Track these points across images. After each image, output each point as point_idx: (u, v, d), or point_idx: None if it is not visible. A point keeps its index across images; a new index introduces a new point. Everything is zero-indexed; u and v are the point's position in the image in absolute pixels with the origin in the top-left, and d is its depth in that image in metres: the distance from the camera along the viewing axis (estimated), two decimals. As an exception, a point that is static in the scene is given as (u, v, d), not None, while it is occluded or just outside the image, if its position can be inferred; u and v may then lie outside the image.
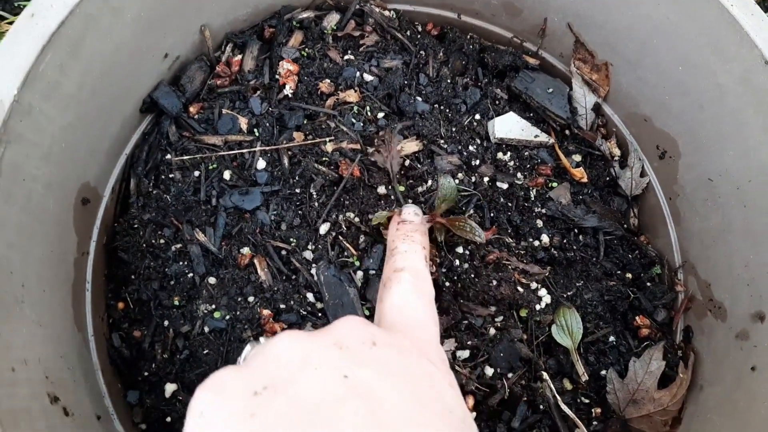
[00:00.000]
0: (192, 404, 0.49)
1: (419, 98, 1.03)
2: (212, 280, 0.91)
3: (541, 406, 0.90)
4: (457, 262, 0.92)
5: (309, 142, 0.97)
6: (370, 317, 0.90)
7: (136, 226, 0.94)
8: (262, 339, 0.60)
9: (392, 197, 0.95)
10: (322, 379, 0.50)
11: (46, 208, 0.80)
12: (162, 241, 0.93)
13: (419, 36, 1.10)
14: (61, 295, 0.83)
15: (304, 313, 0.90)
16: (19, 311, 0.72)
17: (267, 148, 0.97)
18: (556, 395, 0.89)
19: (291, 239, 0.93)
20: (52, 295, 0.80)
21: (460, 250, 0.93)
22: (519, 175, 1.03)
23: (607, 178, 1.08)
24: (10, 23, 1.36)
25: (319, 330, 0.59)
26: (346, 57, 1.04)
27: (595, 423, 0.92)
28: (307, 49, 1.04)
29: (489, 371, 0.89)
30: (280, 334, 0.55)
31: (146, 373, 0.90)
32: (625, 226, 1.05)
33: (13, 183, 0.72)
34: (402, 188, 0.96)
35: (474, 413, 0.87)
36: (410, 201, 0.95)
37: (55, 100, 0.77)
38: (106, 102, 0.89)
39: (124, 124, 0.95)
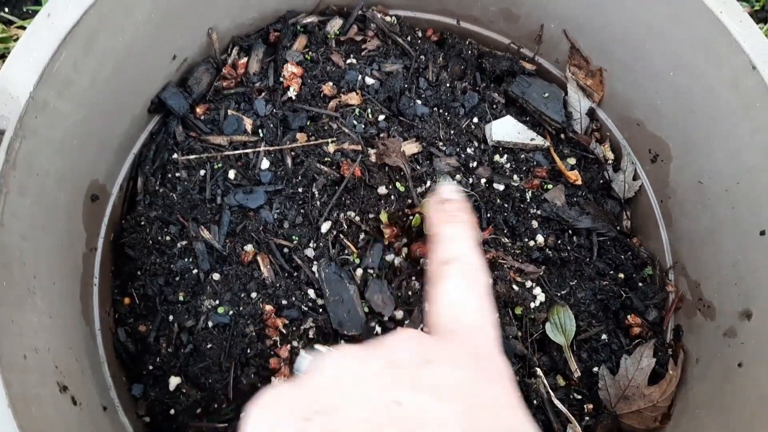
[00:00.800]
0: (244, 420, 0.49)
1: (419, 101, 1.06)
2: (216, 276, 0.94)
3: (535, 401, 0.92)
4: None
5: (312, 142, 1.00)
6: (370, 314, 0.92)
7: (142, 223, 0.97)
8: (319, 347, 0.57)
9: (393, 197, 0.98)
10: (375, 407, 0.49)
11: (57, 202, 0.82)
12: (168, 238, 0.96)
13: (419, 41, 1.13)
14: (70, 289, 0.86)
15: (306, 309, 0.92)
16: (30, 301, 0.74)
17: (271, 148, 1.00)
18: (550, 391, 0.92)
19: (293, 237, 0.95)
20: (61, 287, 0.83)
21: (457, 248, 0.95)
22: (515, 177, 1.06)
23: (601, 181, 1.11)
24: (19, 27, 1.39)
25: (373, 344, 0.57)
26: (348, 61, 1.07)
27: (587, 418, 0.94)
28: (310, 53, 1.07)
29: (485, 366, 0.92)
30: (336, 351, 0.54)
31: (151, 367, 0.92)
32: (618, 227, 1.08)
33: (28, 176, 0.75)
34: (402, 188, 0.99)
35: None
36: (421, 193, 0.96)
37: (68, 97, 0.80)
38: (116, 100, 0.92)
39: (133, 124, 0.98)
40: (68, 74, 0.79)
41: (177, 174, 0.99)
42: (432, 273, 0.69)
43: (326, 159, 0.99)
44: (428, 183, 1.00)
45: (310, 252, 0.95)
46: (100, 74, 0.86)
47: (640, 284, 1.04)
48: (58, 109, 0.79)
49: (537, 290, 0.97)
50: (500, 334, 0.67)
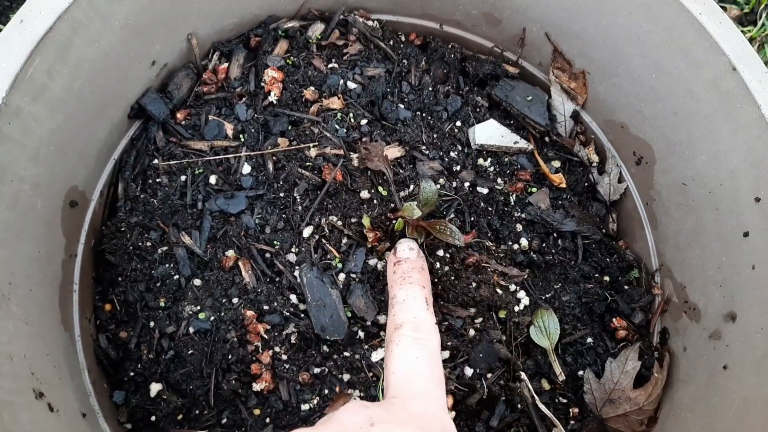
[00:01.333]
0: None
1: (401, 105, 1.06)
2: (197, 282, 0.93)
3: (519, 406, 0.91)
4: (438, 265, 0.94)
5: (293, 147, 0.99)
6: (352, 319, 0.92)
7: (123, 229, 0.96)
8: None
9: (375, 201, 0.97)
10: None
11: (34, 208, 0.82)
12: (149, 243, 0.95)
13: (402, 45, 1.13)
14: (48, 295, 0.85)
15: (287, 314, 0.92)
16: (5, 307, 0.73)
17: (252, 153, 0.99)
18: (534, 395, 0.91)
19: (275, 242, 0.95)
20: (39, 293, 0.82)
21: (440, 253, 0.95)
22: (499, 180, 1.05)
23: (586, 184, 1.11)
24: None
25: (322, 422, 0.62)
26: (330, 65, 1.07)
27: (572, 422, 0.94)
28: (291, 58, 1.06)
29: (468, 371, 0.91)
30: None
31: (132, 373, 0.91)
32: (604, 230, 1.07)
33: (1, 182, 0.74)
34: (385, 192, 0.98)
35: (453, 413, 0.88)
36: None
37: (43, 103, 0.80)
38: (94, 107, 0.91)
39: (113, 130, 0.98)
40: (42, 80, 0.79)
41: (158, 179, 0.99)
42: (387, 336, 0.76)
43: (308, 164, 0.99)
44: (411, 187, 1.00)
45: (291, 257, 0.94)
46: (76, 80, 0.85)
47: (626, 287, 1.03)
48: (32, 115, 0.78)
49: (521, 294, 0.97)
50: (445, 395, 0.70)
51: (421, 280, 0.83)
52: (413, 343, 0.72)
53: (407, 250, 0.88)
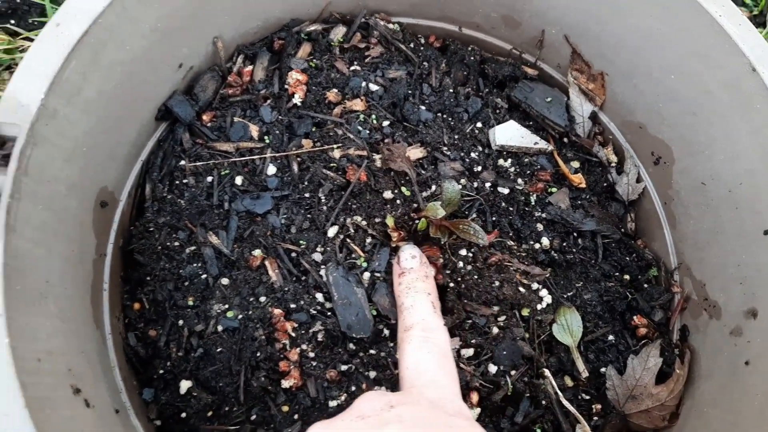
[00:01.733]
0: None
1: (423, 107, 1.08)
2: (225, 281, 0.95)
3: (543, 402, 0.93)
4: (461, 264, 0.95)
5: (317, 148, 1.01)
6: (377, 317, 0.93)
7: (151, 229, 0.97)
8: None
9: (398, 201, 0.99)
10: None
11: (68, 209, 0.83)
12: (176, 243, 0.97)
13: (422, 48, 1.14)
14: (81, 294, 0.86)
15: (314, 312, 0.93)
16: (43, 305, 0.75)
17: (277, 154, 1.01)
18: (558, 391, 0.93)
19: (301, 242, 0.96)
20: (73, 292, 0.84)
21: (463, 252, 0.96)
22: (519, 180, 1.07)
23: (605, 184, 1.12)
24: (25, 38, 1.41)
25: (345, 410, 0.67)
26: (352, 68, 1.09)
27: (595, 418, 0.95)
28: (314, 60, 1.08)
29: (492, 369, 0.92)
30: (312, 426, 0.65)
31: (161, 371, 0.92)
32: (623, 229, 1.09)
33: (39, 183, 0.76)
34: (408, 192, 1.00)
35: (478, 409, 0.90)
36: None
37: (77, 105, 0.81)
38: (124, 109, 0.93)
39: (141, 131, 0.99)
40: (77, 83, 0.80)
41: (185, 180, 1.00)
42: (398, 338, 0.82)
43: (332, 164, 1.00)
44: (433, 187, 1.01)
45: (317, 256, 0.96)
46: (108, 83, 0.87)
47: (646, 285, 1.05)
48: (67, 117, 0.80)
49: (543, 292, 0.98)
50: (458, 386, 0.75)
51: (426, 288, 0.87)
52: (423, 341, 0.78)
53: (410, 259, 0.91)
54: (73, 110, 0.81)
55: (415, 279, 0.88)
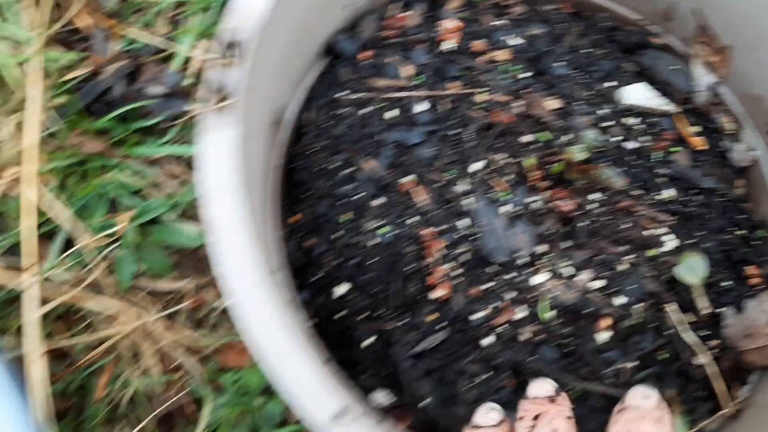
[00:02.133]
0: None
1: (560, 63, 1.16)
2: (378, 201, 1.04)
3: (665, 333, 1.00)
4: (594, 206, 1.04)
5: (464, 91, 1.10)
6: (514, 247, 1.01)
7: (310, 151, 1.07)
8: None
9: (536, 146, 1.07)
10: None
11: (261, 119, 0.93)
12: (334, 165, 1.06)
13: (558, 11, 1.23)
14: (261, 194, 0.96)
15: (457, 237, 1.02)
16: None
17: (427, 92, 1.10)
18: (681, 324, 1.00)
19: (447, 173, 1.05)
20: (258, 193, 0.94)
21: (597, 195, 1.05)
22: (644, 138, 1.15)
23: (719, 149, 1.20)
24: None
25: None
26: (497, 22, 1.17)
27: (711, 352, 1.02)
28: (463, 13, 1.17)
29: (620, 300, 1.01)
30: None
31: (316, 277, 1.02)
32: (736, 192, 1.16)
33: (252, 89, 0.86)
34: (544, 139, 1.08)
35: (612, 331, 0.98)
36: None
37: (278, 29, 0.91)
38: (299, 42, 1.03)
39: (308, 63, 1.09)
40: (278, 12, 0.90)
41: (342, 110, 1.09)
42: None
43: (477, 107, 1.09)
44: (570, 135, 1.09)
45: (462, 187, 1.04)
46: (295, 17, 0.97)
47: (753, 243, 1.12)
48: (272, 37, 0.90)
49: (669, 237, 1.06)
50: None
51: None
52: None
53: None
54: (275, 34, 0.91)
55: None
